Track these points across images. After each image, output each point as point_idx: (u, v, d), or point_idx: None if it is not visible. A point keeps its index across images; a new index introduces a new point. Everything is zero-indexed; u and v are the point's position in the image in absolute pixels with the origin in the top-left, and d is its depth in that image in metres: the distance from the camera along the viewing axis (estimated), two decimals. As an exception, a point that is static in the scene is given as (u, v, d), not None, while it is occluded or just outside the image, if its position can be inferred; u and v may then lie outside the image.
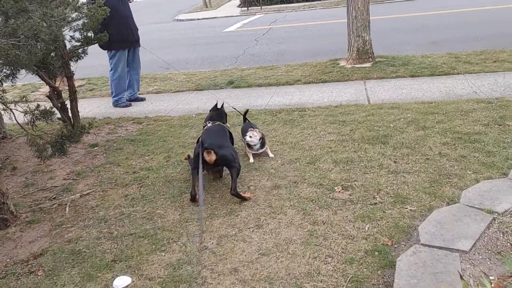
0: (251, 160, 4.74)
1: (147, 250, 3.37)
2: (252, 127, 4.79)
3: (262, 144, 4.72)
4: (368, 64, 8.26)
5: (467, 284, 2.21)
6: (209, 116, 4.81)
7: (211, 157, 3.92)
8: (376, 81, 7.42)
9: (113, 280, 2.99)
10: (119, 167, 4.95)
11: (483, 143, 4.50)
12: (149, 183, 4.47)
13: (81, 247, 3.49)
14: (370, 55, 8.39)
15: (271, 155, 4.76)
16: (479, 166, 4.05)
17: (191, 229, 3.60)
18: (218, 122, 4.55)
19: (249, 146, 4.73)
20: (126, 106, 7.46)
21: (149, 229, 3.65)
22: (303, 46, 11.55)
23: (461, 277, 2.20)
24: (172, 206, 3.98)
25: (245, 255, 3.21)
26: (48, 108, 4.35)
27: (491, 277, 2.28)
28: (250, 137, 4.66)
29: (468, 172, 3.98)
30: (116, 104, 7.50)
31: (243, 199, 3.93)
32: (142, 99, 7.79)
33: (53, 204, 4.25)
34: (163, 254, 3.31)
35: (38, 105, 4.54)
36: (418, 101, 6.12)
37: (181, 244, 3.41)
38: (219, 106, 4.95)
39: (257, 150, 4.74)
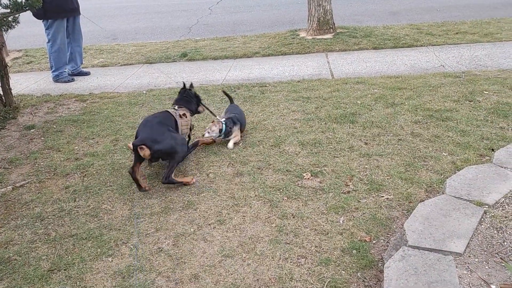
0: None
1: (91, 255, 2.88)
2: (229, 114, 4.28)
3: (227, 134, 4.16)
4: (329, 35, 7.88)
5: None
6: (174, 100, 4.28)
7: (145, 153, 3.51)
8: (339, 53, 7.07)
9: (50, 295, 2.54)
10: (59, 153, 4.36)
11: (455, 121, 4.25)
12: (94, 172, 3.93)
13: (11, 254, 2.96)
14: (331, 26, 8.01)
15: (230, 145, 4.16)
16: (455, 147, 3.79)
17: (143, 226, 3.14)
18: (166, 110, 4.01)
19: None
20: (68, 81, 6.75)
21: (93, 228, 3.15)
22: (260, 16, 11.01)
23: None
24: (120, 200, 3.49)
25: (206, 258, 2.80)
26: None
27: (492, 286, 1.99)
28: (208, 133, 4.14)
29: (444, 154, 3.72)
30: (56, 79, 6.76)
31: (182, 184, 3.56)
32: (87, 73, 7.08)
33: (-20, 200, 3.65)
34: (110, 259, 2.84)
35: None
36: (383, 75, 5.83)
37: (132, 246, 2.95)
38: (187, 87, 4.29)
39: (223, 139, 4.22)
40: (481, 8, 9.73)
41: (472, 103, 4.65)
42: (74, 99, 5.93)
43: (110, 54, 8.31)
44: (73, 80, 6.79)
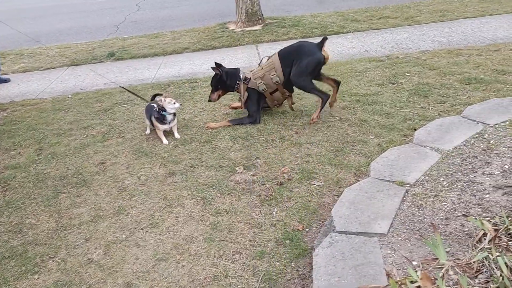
0: (165, 141, 4.13)
1: (15, 275, 2.72)
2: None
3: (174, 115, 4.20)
4: (258, 27, 7.90)
5: (391, 275, 1.97)
6: None
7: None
8: (268, 44, 7.10)
9: (-30, 322, 2.38)
10: (-23, 168, 4.08)
11: (380, 104, 4.39)
12: (16, 185, 3.71)
13: None
14: (259, 17, 8.03)
15: (177, 135, 4.22)
16: (380, 130, 3.92)
17: (72, 238, 3.00)
18: None
19: (162, 120, 4.10)
20: (-14, 90, 6.33)
21: (16, 245, 2.98)
22: (189, 10, 10.85)
23: (388, 275, 1.95)
24: (46, 212, 3.31)
25: (140, 264, 2.72)
26: None
27: (414, 262, 2.07)
28: (180, 104, 4.25)
29: (371, 137, 3.83)
30: (-28, 88, 6.32)
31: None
32: (6, 80, 6.67)
33: None
34: (36, 277, 2.70)
35: None
36: (312, 63, 5.90)
37: (59, 260, 2.81)
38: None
39: (170, 123, 4.16)
40: (402, -8, 10.10)
41: (395, 85, 4.83)
42: (-7, 108, 5.57)
43: (32, 58, 7.88)
44: (-9, 88, 6.38)
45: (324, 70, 5.49)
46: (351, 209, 2.49)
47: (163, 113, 4.08)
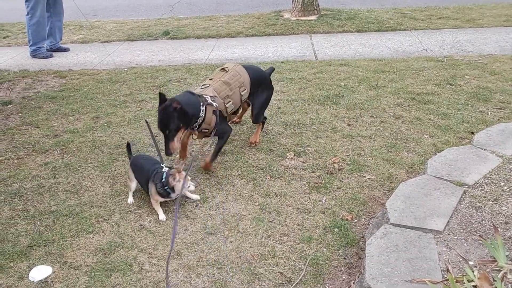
0: (163, 217, 2.94)
1: (72, 232, 2.85)
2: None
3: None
4: (313, 17, 7.84)
5: (449, 270, 1.95)
6: None
7: None
8: (323, 35, 7.05)
9: (30, 270, 2.51)
10: (37, 129, 4.26)
11: (437, 105, 4.30)
12: (74, 149, 3.86)
13: (-11, 230, 2.90)
14: (315, 8, 7.96)
15: (195, 196, 3.14)
16: (435, 130, 3.84)
17: (125, 204, 3.11)
18: None
19: (164, 195, 2.95)
20: (47, 57, 6.58)
21: (74, 205, 3.11)
22: (244, -4, 10.86)
23: (448, 270, 1.93)
24: (101, 177, 3.44)
25: (189, 235, 2.79)
26: None
27: (470, 262, 2.03)
28: (195, 187, 3.06)
29: (425, 136, 3.76)
30: (34, 54, 6.58)
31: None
32: (66, 50, 6.92)
33: (-45, 175, 3.56)
34: (91, 236, 2.81)
35: None
36: (367, 58, 5.84)
37: (113, 223, 2.92)
38: None
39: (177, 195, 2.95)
40: (464, -6, 9.78)
41: (453, 87, 4.71)
42: (52, 75, 5.79)
43: (90, 30, 8.12)
44: (51, 56, 6.62)
45: (378, 65, 5.44)
46: (406, 203, 2.46)
47: (168, 190, 2.91)
